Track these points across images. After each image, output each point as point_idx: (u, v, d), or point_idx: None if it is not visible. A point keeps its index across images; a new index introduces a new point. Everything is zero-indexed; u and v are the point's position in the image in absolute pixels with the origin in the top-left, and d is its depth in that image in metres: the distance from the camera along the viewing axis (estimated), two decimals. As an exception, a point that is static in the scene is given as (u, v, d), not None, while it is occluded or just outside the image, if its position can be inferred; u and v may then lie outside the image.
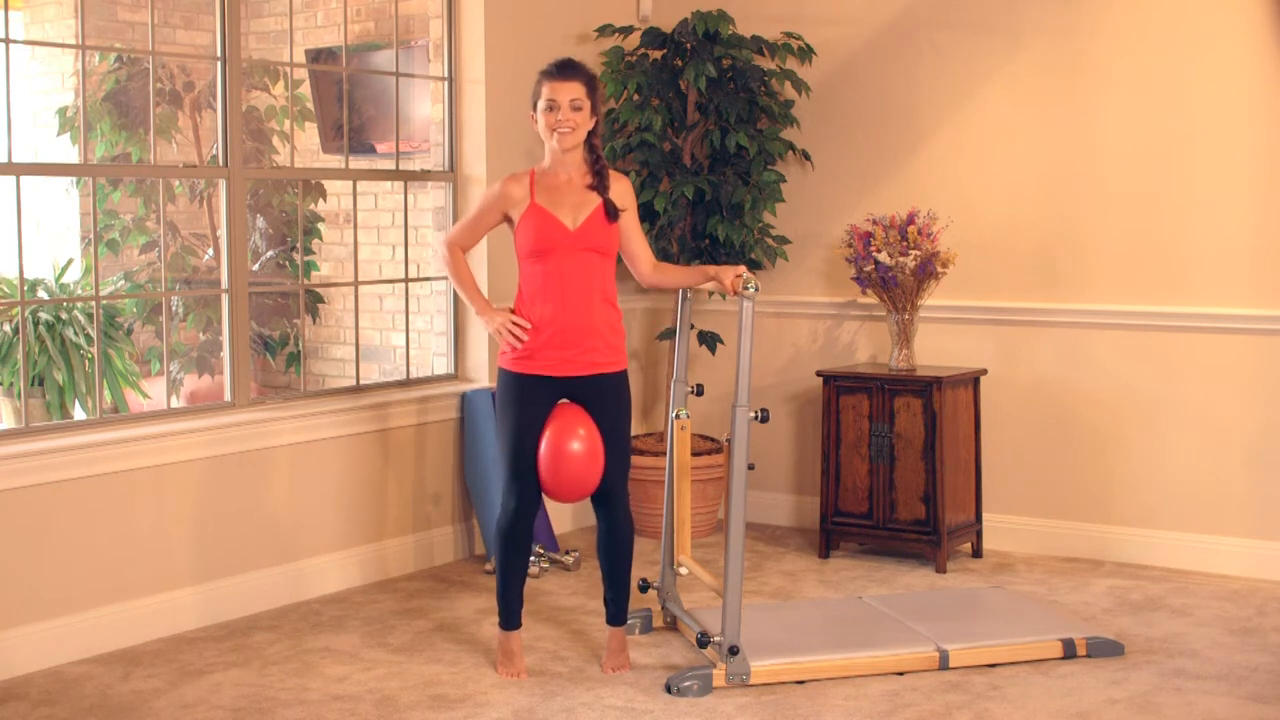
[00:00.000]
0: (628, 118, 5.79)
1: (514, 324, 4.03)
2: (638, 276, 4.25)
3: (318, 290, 7.01)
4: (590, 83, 4.04)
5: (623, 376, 4.13)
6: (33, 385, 6.20)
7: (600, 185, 4.07)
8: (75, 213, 6.99)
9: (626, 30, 6.00)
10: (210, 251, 6.81)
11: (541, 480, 4.05)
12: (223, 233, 4.93)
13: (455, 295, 5.57)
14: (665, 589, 4.57)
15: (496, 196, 4.11)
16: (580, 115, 4.01)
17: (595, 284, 4.04)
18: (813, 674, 4.08)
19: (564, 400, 4.10)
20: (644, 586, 4.58)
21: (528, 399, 4.04)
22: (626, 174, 5.84)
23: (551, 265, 4.01)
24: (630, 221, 4.15)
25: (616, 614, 4.20)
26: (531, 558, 5.20)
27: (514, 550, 4.10)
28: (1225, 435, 5.28)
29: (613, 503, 4.12)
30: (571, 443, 3.98)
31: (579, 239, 4.01)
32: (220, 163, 4.91)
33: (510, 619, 4.15)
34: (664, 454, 5.59)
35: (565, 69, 4.03)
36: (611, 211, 4.06)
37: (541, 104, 4.02)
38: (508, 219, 4.12)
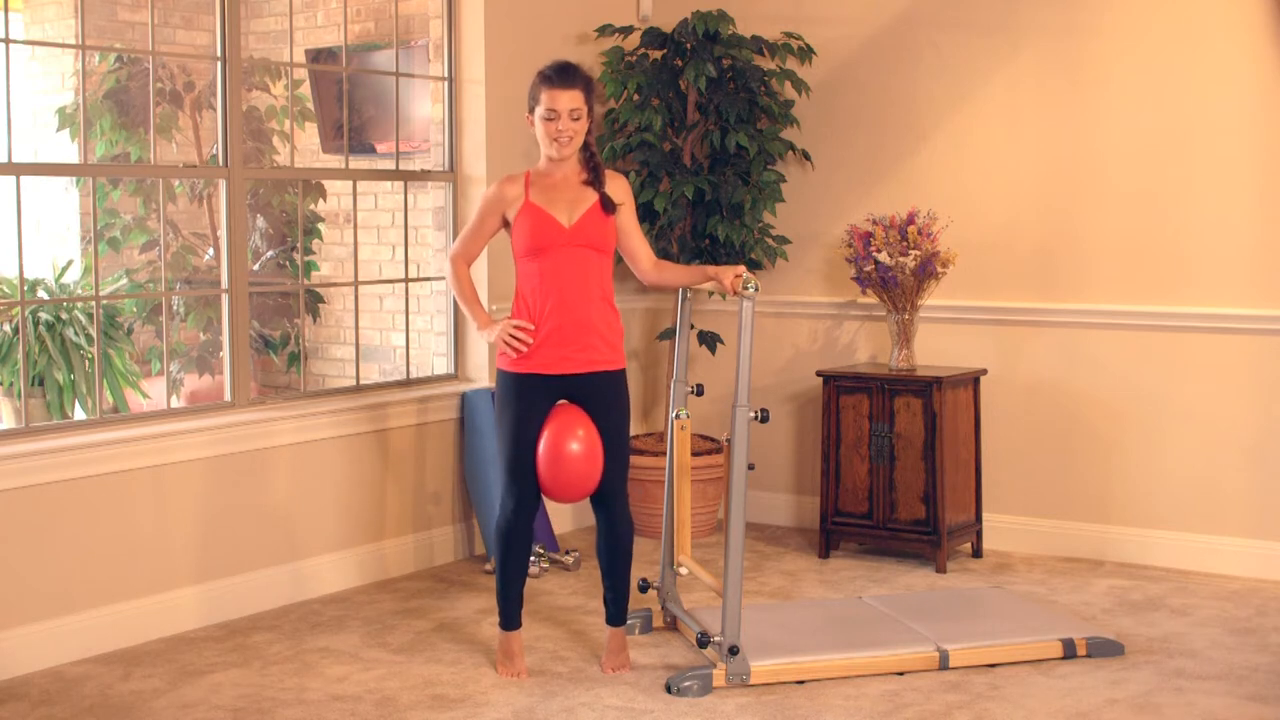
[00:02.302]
0: (628, 118, 5.79)
1: (516, 328, 4.03)
2: (638, 274, 4.25)
3: (318, 290, 7.01)
4: (588, 87, 4.03)
5: (621, 375, 4.12)
6: (33, 385, 6.20)
7: (596, 180, 4.06)
8: (75, 212, 6.99)
9: (626, 30, 6.00)
10: (210, 251, 6.82)
11: (540, 480, 4.04)
12: (223, 233, 4.93)
13: (455, 299, 5.57)
14: (665, 589, 4.57)
15: (493, 199, 4.11)
16: (579, 124, 4.01)
17: (592, 281, 4.03)
18: (813, 674, 4.08)
19: (563, 401, 4.09)
20: (644, 586, 4.58)
21: (526, 399, 4.04)
22: (625, 174, 5.86)
23: (548, 263, 4.00)
24: (629, 219, 4.15)
25: (616, 614, 4.20)
26: (531, 558, 5.20)
27: (513, 550, 4.10)
28: (1225, 435, 5.28)
29: (612, 503, 4.12)
30: (570, 443, 3.98)
31: (574, 236, 4.00)
32: (220, 163, 4.91)
33: (510, 619, 4.15)
34: (664, 454, 5.59)
35: (565, 74, 4.00)
36: (608, 205, 4.05)
37: (540, 111, 4.01)
38: (505, 220, 4.12)
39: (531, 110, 4.06)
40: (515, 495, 4.05)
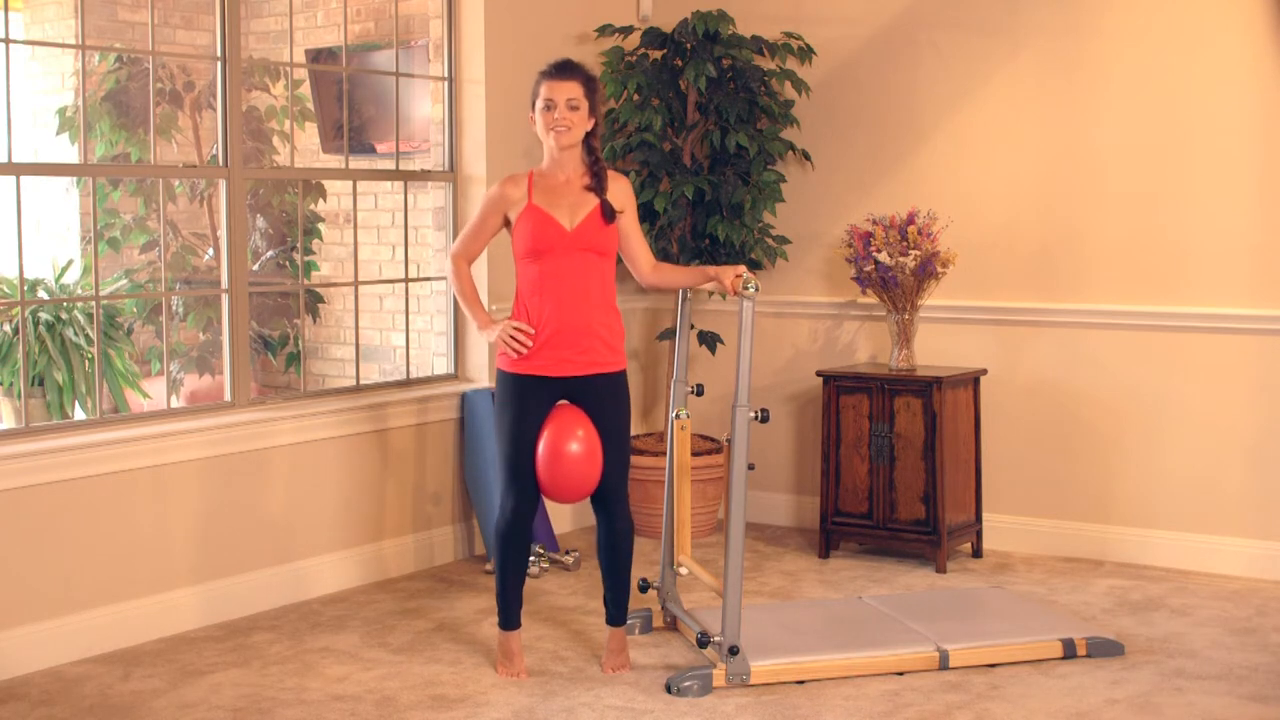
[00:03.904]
0: (628, 118, 5.79)
1: (516, 330, 4.03)
2: (637, 277, 4.25)
3: (318, 290, 7.01)
4: (588, 83, 4.05)
5: (621, 376, 4.12)
6: (33, 385, 6.20)
7: (598, 186, 4.07)
8: (75, 212, 6.99)
9: (626, 30, 6.00)
10: (210, 251, 6.82)
11: (540, 481, 4.05)
12: (223, 233, 4.93)
13: (455, 299, 5.58)
14: (665, 589, 4.57)
15: (495, 199, 4.11)
16: (577, 115, 4.02)
17: (593, 284, 4.03)
18: (813, 674, 4.08)
19: (563, 401, 4.10)
20: (644, 586, 4.58)
21: (526, 400, 4.04)
22: (626, 174, 5.86)
23: (548, 266, 4.01)
24: (630, 222, 4.16)
25: (616, 614, 4.20)
26: (531, 558, 5.21)
27: (513, 550, 4.10)
28: (1225, 435, 5.28)
29: (612, 503, 4.12)
30: (570, 444, 3.98)
31: (576, 239, 4.01)
32: (220, 163, 4.91)
33: (510, 619, 4.15)
34: (664, 454, 5.59)
35: (563, 69, 4.04)
36: (608, 213, 4.06)
37: (539, 103, 4.04)
38: (506, 220, 4.12)
39: (533, 106, 4.08)
40: (514, 495, 4.05)
